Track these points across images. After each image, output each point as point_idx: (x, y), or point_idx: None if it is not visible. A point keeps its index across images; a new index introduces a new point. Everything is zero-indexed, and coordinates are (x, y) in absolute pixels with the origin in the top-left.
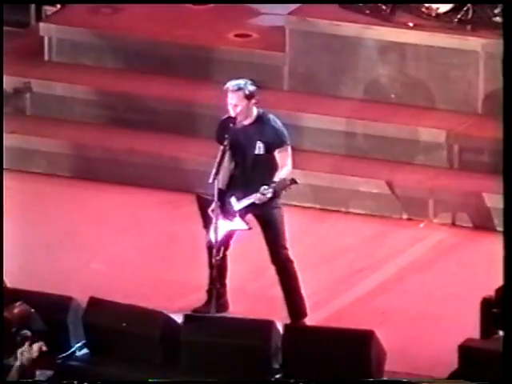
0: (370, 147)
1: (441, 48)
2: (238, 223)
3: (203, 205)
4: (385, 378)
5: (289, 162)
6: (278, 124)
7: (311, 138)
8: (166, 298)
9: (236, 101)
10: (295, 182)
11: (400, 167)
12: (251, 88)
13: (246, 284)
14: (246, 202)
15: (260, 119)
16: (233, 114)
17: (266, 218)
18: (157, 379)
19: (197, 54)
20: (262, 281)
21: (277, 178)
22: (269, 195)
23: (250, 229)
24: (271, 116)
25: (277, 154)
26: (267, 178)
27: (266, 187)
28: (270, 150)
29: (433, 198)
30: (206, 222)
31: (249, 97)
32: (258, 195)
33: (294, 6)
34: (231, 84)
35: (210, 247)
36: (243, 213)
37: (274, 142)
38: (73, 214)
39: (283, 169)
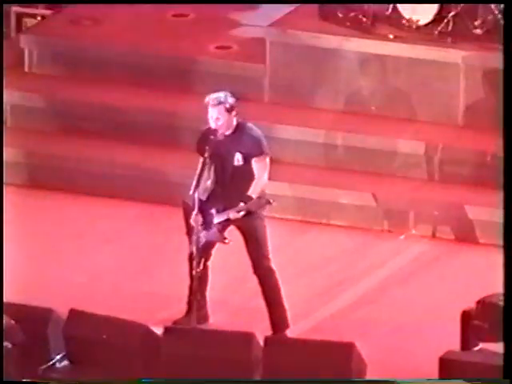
0: (351, 159)
1: (421, 60)
2: (216, 236)
3: (188, 212)
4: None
5: (265, 173)
6: (257, 133)
7: (292, 149)
8: (146, 310)
9: (217, 114)
10: (269, 203)
11: (381, 179)
12: (231, 101)
13: (227, 295)
14: (221, 216)
15: (239, 129)
16: (214, 127)
17: (248, 229)
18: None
19: (178, 66)
20: (242, 292)
21: (251, 191)
22: (241, 213)
23: (227, 243)
24: (249, 125)
25: (254, 163)
26: (246, 190)
27: (242, 204)
28: (248, 159)
29: (413, 210)
30: (190, 228)
31: (229, 110)
32: (231, 214)
33: (275, 18)
34: (211, 98)
35: (190, 258)
36: (224, 225)
37: (252, 151)
38: (53, 227)
39: (258, 181)
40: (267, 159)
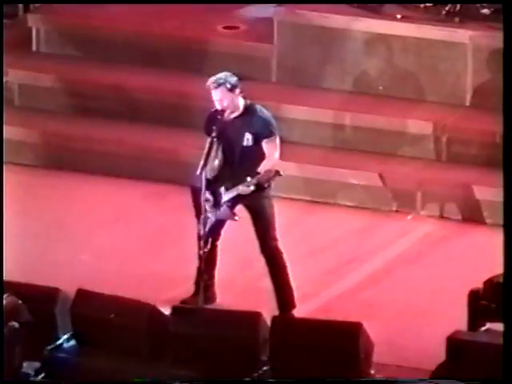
0: (359, 139)
1: (429, 40)
2: (226, 214)
3: (196, 194)
4: (379, 378)
5: (276, 152)
6: (266, 114)
7: (299, 130)
8: (153, 290)
9: (220, 96)
10: (279, 174)
11: (388, 159)
12: (232, 80)
13: (235, 275)
14: (231, 193)
15: (248, 111)
16: (220, 108)
17: (256, 209)
18: (144, 371)
19: (185, 46)
20: (250, 272)
21: (262, 168)
22: (251, 187)
23: (237, 219)
24: (258, 107)
25: (264, 144)
26: (255, 168)
27: (250, 179)
28: (258, 140)
29: (421, 190)
30: (198, 211)
31: (231, 89)
32: (241, 187)
33: None
34: (211, 81)
35: (199, 238)
36: (233, 203)
37: (263, 132)
38: (60, 206)
39: (269, 159)
40: (277, 140)
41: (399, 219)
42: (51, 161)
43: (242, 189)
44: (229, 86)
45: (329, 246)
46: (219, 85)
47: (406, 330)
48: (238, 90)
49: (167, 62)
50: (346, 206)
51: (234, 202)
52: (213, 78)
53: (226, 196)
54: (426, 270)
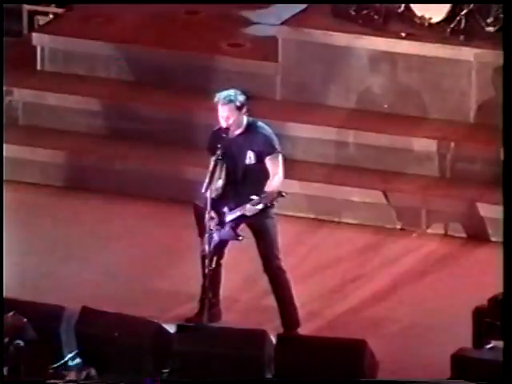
0: (363, 157)
1: (433, 58)
2: (229, 234)
3: (199, 213)
4: (382, 378)
5: (280, 170)
6: (268, 131)
7: (304, 147)
8: (158, 308)
9: (228, 113)
10: (281, 195)
11: (392, 177)
12: (241, 99)
13: (239, 293)
14: (236, 213)
15: (250, 128)
16: (224, 126)
17: (259, 228)
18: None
19: (190, 64)
20: (254, 290)
21: (268, 186)
22: (259, 206)
23: (241, 240)
24: (260, 123)
25: (268, 161)
26: (258, 188)
27: (255, 198)
28: (260, 158)
29: (425, 208)
30: (202, 230)
31: (240, 108)
32: (248, 206)
33: (286, 16)
34: (221, 97)
35: (203, 257)
36: (236, 223)
37: (265, 149)
38: (65, 224)
39: (274, 177)
40: (280, 156)
41: (404, 237)
42: (56, 179)
43: (248, 208)
44: (238, 104)
45: (333, 263)
46: (229, 101)
47: (410, 348)
48: (244, 110)
49: (172, 80)
50: (350, 224)
51: (237, 221)
52: (222, 94)
53: (229, 216)
54: (430, 287)
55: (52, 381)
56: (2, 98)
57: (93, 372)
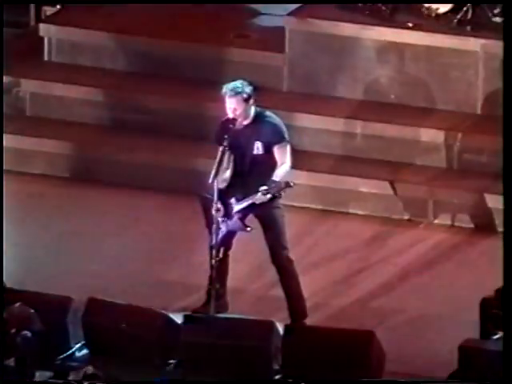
0: (370, 148)
1: (440, 48)
2: (237, 225)
3: (206, 205)
4: (385, 378)
5: (288, 158)
6: (276, 120)
7: (311, 138)
8: (165, 299)
9: (235, 105)
10: (289, 185)
11: (400, 168)
12: (248, 90)
13: (246, 284)
14: (245, 203)
15: (258, 118)
16: (231, 117)
17: (267, 219)
18: (157, 379)
19: (196, 55)
20: (262, 281)
21: (276, 175)
22: (268, 195)
23: (249, 230)
24: (268, 113)
25: (276, 150)
26: (266, 179)
27: (264, 187)
28: (269, 147)
29: (432, 199)
30: (209, 221)
31: (247, 99)
32: (258, 195)
33: (293, 7)
34: (228, 89)
35: (211, 247)
36: (244, 213)
37: (273, 139)
38: (72, 215)
39: (282, 166)
40: (288, 146)
41: (411, 228)
42: (62, 170)
43: (257, 197)
44: (245, 95)
45: (340, 254)
46: (236, 93)
47: (417, 339)
48: (252, 100)
49: (179, 71)
50: (357, 215)
51: (244, 212)
52: (230, 86)
53: (237, 207)
54: (437, 278)
55: (52, 381)
56: (2, 94)
57: (90, 370)
